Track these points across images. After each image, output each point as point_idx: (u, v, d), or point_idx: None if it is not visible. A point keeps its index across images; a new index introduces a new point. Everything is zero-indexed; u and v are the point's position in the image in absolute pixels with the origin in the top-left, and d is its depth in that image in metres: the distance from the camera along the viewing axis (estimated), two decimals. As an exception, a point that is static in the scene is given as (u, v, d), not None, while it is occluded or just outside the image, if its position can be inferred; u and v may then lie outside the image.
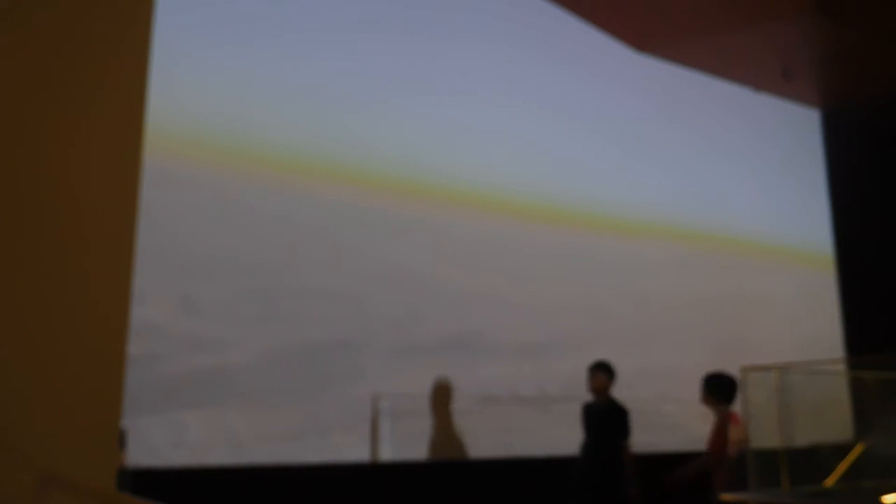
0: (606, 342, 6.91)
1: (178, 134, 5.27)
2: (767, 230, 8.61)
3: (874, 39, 7.51)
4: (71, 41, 2.22)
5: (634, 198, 7.62)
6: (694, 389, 5.41)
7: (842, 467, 5.98)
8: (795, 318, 8.36)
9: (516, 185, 6.85)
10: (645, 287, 7.40)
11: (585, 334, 6.89)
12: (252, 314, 5.46)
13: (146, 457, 4.80)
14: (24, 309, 2.05)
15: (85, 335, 2.13)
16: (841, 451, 6.15)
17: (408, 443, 5.94)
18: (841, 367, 7.87)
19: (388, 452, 5.86)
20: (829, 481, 5.92)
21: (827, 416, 7.29)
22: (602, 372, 5.55)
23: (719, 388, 5.26)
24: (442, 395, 5.93)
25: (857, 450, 6.12)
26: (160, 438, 4.95)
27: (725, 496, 5.50)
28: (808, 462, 5.88)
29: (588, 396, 5.61)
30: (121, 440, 3.95)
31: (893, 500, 5.26)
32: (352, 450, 5.68)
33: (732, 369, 6.11)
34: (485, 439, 5.92)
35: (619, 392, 5.64)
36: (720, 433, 5.16)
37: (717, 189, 8.35)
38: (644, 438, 5.97)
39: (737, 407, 5.26)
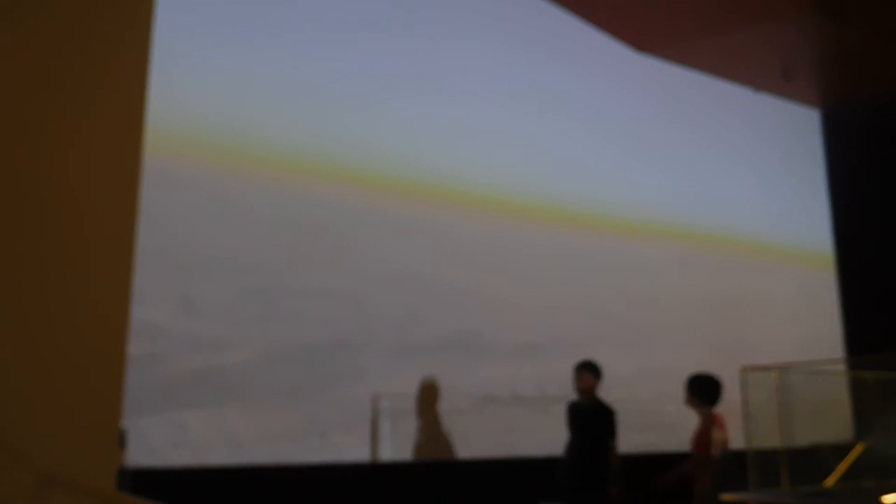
0: (606, 342, 6.91)
1: (178, 134, 5.27)
2: (767, 230, 8.61)
3: (874, 39, 7.51)
4: (71, 41, 2.22)
5: (634, 198, 7.62)
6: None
7: (842, 467, 5.98)
8: (795, 318, 8.36)
9: (516, 185, 6.85)
10: (645, 287, 7.40)
11: (585, 334, 6.89)
12: (252, 314, 5.46)
13: (146, 457, 4.80)
14: (24, 309, 2.05)
15: (85, 335, 2.13)
16: (841, 451, 6.15)
17: (408, 443, 5.94)
18: (841, 367, 7.87)
19: (388, 452, 5.86)
20: (829, 481, 5.92)
21: (827, 416, 7.29)
22: (588, 371, 5.52)
23: (703, 390, 5.24)
24: (428, 396, 5.91)
25: (857, 450, 6.12)
26: (160, 438, 4.95)
27: (726, 496, 5.50)
28: (808, 462, 5.88)
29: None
30: (121, 440, 3.95)
31: (893, 500, 5.26)
32: (352, 450, 5.68)
33: (732, 369, 6.10)
34: (485, 439, 5.92)
35: (619, 392, 5.65)
36: (704, 434, 5.14)
37: (717, 189, 8.35)
38: (644, 438, 5.98)
39: (720, 408, 5.25)
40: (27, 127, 2.12)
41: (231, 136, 5.55)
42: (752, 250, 8.41)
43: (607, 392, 5.63)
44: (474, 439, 5.72)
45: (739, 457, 5.26)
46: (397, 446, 5.91)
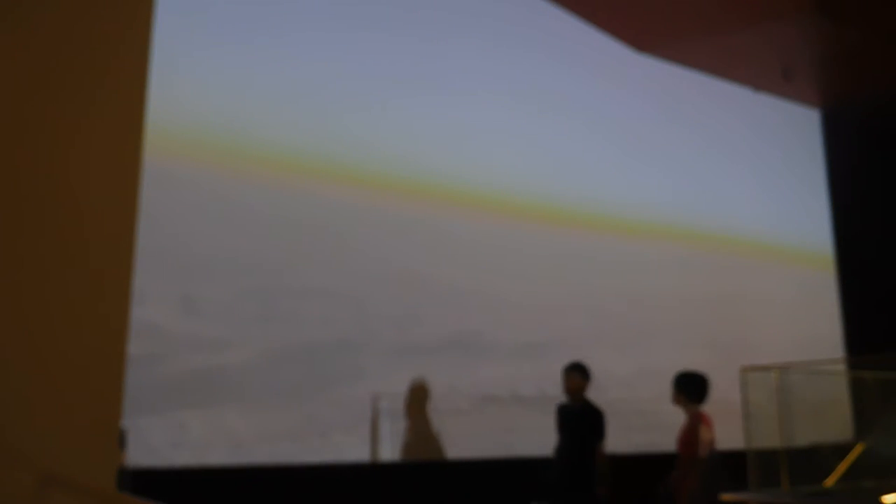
0: (606, 342, 6.91)
1: (178, 134, 5.27)
2: (767, 230, 8.61)
3: (874, 39, 7.51)
4: (71, 41, 2.22)
5: (634, 198, 7.62)
6: (694, 389, 5.39)
7: (842, 467, 5.98)
8: (795, 318, 8.36)
9: (516, 185, 6.85)
10: (645, 287, 7.40)
11: (585, 334, 6.89)
12: (252, 314, 5.46)
13: (146, 457, 4.80)
14: (24, 309, 2.05)
15: (85, 335, 2.13)
16: (841, 451, 6.16)
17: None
18: (841, 367, 7.87)
19: (388, 452, 5.86)
20: (829, 481, 5.92)
21: (827, 416, 7.29)
22: (577, 373, 5.46)
23: (690, 387, 5.15)
24: (417, 398, 5.89)
25: (857, 450, 6.12)
26: (160, 438, 4.95)
27: (726, 496, 5.49)
28: (808, 462, 5.88)
29: (595, 398, 5.60)
30: (121, 440, 3.95)
31: (893, 500, 5.26)
32: (352, 450, 5.68)
33: (732, 369, 6.11)
34: (485, 439, 5.92)
35: (619, 392, 5.64)
36: (691, 433, 5.04)
37: (717, 189, 8.35)
38: (644, 438, 5.98)
39: (707, 406, 5.22)
40: (27, 127, 2.12)
41: (231, 136, 5.55)
42: (752, 250, 8.41)
43: (607, 392, 5.63)
44: (474, 439, 5.72)
45: (727, 457, 5.16)
46: (397, 446, 5.91)
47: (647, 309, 7.36)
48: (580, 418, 5.33)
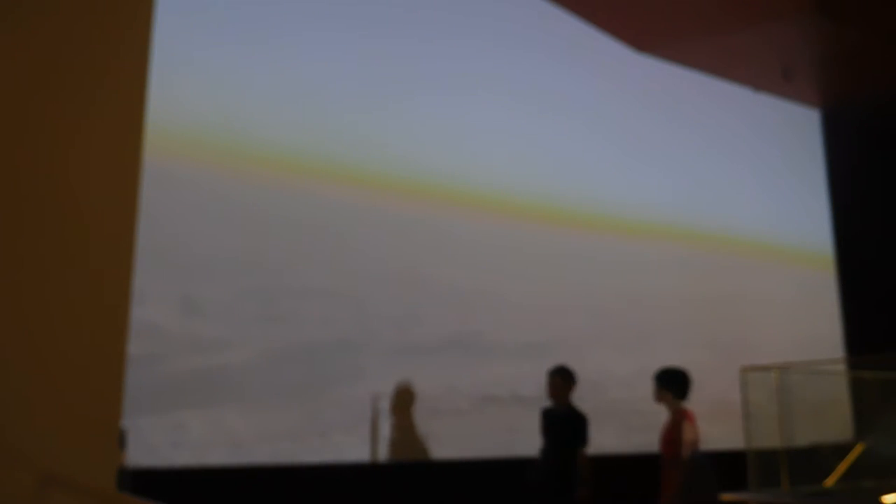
0: (606, 342, 6.92)
1: (178, 134, 5.27)
2: (767, 230, 8.61)
3: (874, 39, 7.51)
4: (71, 41, 2.22)
5: (634, 198, 7.62)
6: (694, 389, 5.38)
7: (842, 467, 5.98)
8: (795, 318, 8.36)
9: (516, 185, 6.85)
10: (645, 287, 7.40)
11: (585, 334, 6.89)
12: (252, 314, 5.46)
13: (146, 457, 4.80)
14: (24, 309, 2.05)
15: (85, 335, 2.13)
16: (841, 451, 6.16)
17: (408, 443, 5.94)
18: (841, 367, 7.87)
19: (388, 452, 5.86)
20: (829, 481, 5.92)
21: (827, 416, 7.30)
22: (560, 377, 5.37)
23: (674, 383, 5.01)
24: (403, 399, 5.87)
25: (857, 450, 6.13)
26: (160, 438, 4.95)
27: (726, 496, 5.49)
28: (808, 462, 5.88)
29: (587, 398, 5.60)
30: (121, 440, 3.95)
31: (893, 500, 5.26)
32: (352, 450, 5.68)
33: (732, 369, 6.11)
34: (485, 439, 5.92)
35: (620, 392, 5.64)
36: (675, 430, 4.91)
37: (717, 189, 8.35)
38: (644, 438, 5.97)
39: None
40: (27, 127, 2.12)
41: (231, 136, 5.55)
42: (752, 250, 8.41)
43: (607, 392, 5.64)
44: (474, 439, 5.72)
45: (711, 456, 5.08)
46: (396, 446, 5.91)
47: (647, 309, 7.36)
48: (564, 422, 5.26)
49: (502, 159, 6.77)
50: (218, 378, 5.22)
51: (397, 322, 6.05)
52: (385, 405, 5.88)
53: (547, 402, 5.36)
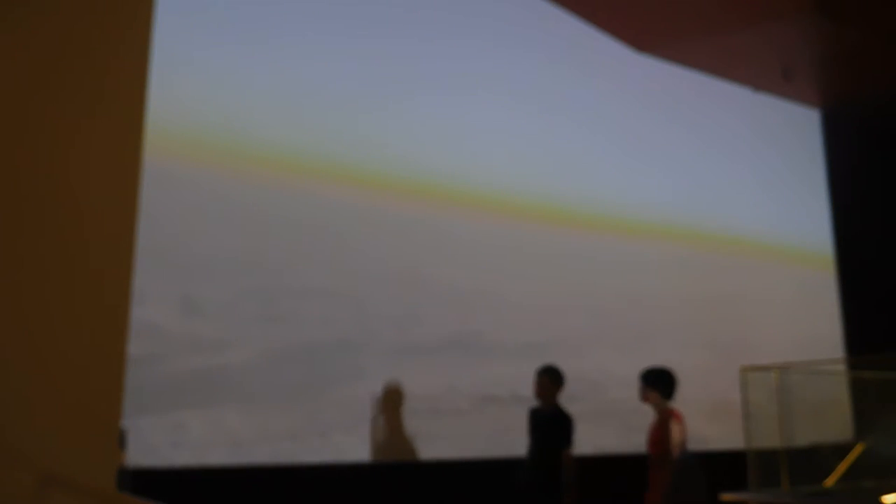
0: (606, 342, 6.92)
1: (178, 134, 5.27)
2: (767, 230, 8.61)
3: (874, 39, 7.51)
4: (71, 41, 2.22)
5: (634, 198, 7.62)
6: (694, 389, 5.39)
7: (842, 467, 5.98)
8: (795, 318, 8.36)
9: (516, 185, 6.85)
10: (645, 287, 7.40)
11: (585, 334, 6.89)
12: (252, 314, 5.46)
13: (146, 457, 4.80)
14: (24, 309, 2.05)
15: (85, 335, 2.13)
16: (841, 451, 6.16)
17: (408, 442, 5.94)
18: (841, 367, 7.87)
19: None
20: (829, 481, 5.92)
21: (827, 416, 7.30)
22: (547, 377, 5.33)
23: (662, 383, 4.97)
24: (390, 399, 5.84)
25: (857, 450, 6.13)
26: (160, 438, 4.95)
27: (726, 496, 5.49)
28: (808, 462, 5.88)
29: (588, 398, 5.60)
30: (121, 440, 3.95)
31: (893, 500, 5.26)
32: (352, 450, 5.68)
33: (732, 369, 6.11)
34: (485, 439, 5.92)
35: (619, 392, 5.64)
36: (662, 430, 4.87)
37: (717, 189, 8.35)
38: (644, 438, 5.96)
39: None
40: (27, 127, 2.12)
41: (231, 136, 5.55)
42: (752, 250, 8.41)
43: (607, 392, 5.63)
44: (474, 439, 5.72)
45: (700, 456, 5.05)
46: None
47: (647, 309, 7.36)
48: (549, 423, 5.23)
49: (502, 159, 6.77)
50: (218, 378, 5.22)
51: (397, 322, 6.05)
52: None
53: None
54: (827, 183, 9.34)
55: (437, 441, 6.04)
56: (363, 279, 5.91)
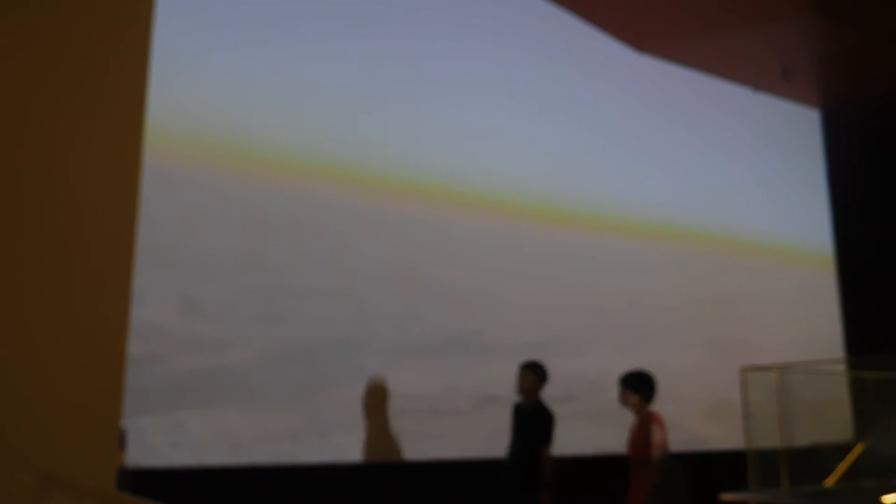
0: (606, 342, 6.92)
1: (178, 134, 5.27)
2: (767, 230, 8.61)
3: (874, 39, 7.52)
4: (71, 41, 2.22)
5: (634, 198, 7.62)
6: (694, 389, 5.40)
7: (842, 467, 5.98)
8: (795, 318, 8.36)
9: (516, 185, 6.85)
10: (645, 287, 7.41)
11: (585, 334, 6.89)
12: (252, 314, 5.46)
13: (146, 457, 4.80)
14: (24, 309, 2.05)
15: (85, 335, 2.13)
16: (841, 451, 6.16)
17: (408, 443, 5.94)
18: (841, 367, 7.87)
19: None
20: (829, 481, 5.93)
21: (827, 416, 7.30)
22: (530, 372, 5.29)
23: (642, 386, 4.94)
24: (374, 397, 5.80)
25: (857, 450, 6.13)
26: (160, 438, 4.95)
27: (726, 496, 5.49)
28: (808, 462, 5.88)
29: (588, 398, 5.60)
30: (121, 440, 3.95)
31: (893, 500, 5.26)
32: (352, 450, 5.68)
33: (732, 369, 6.11)
34: (485, 439, 5.92)
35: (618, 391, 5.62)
36: (643, 433, 4.84)
37: (717, 189, 8.35)
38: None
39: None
40: (27, 127, 2.12)
41: (231, 136, 5.55)
42: (752, 250, 8.41)
43: (607, 392, 5.62)
44: (474, 439, 5.72)
45: (680, 458, 5.01)
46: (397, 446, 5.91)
47: (647, 309, 7.36)
48: (530, 420, 5.20)
49: (502, 159, 6.77)
50: (218, 378, 5.22)
51: (397, 322, 6.05)
52: (385, 406, 5.87)
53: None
54: (827, 183, 9.34)
55: (437, 441, 6.04)
56: (363, 279, 5.91)
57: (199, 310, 5.26)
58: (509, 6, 7.02)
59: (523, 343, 6.30)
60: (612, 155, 7.60)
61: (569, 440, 5.81)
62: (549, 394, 5.42)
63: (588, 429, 6.34)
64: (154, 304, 5.00)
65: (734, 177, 8.51)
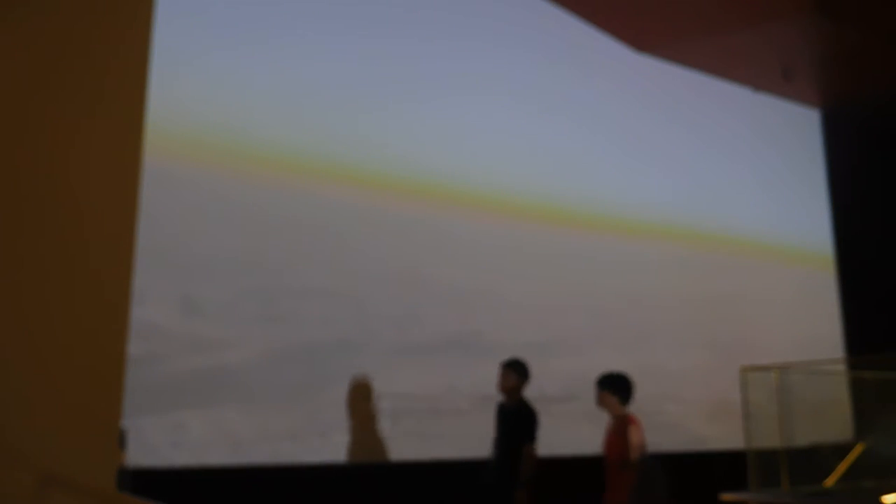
0: (606, 342, 6.92)
1: (178, 134, 5.27)
2: (767, 230, 8.61)
3: (874, 39, 7.52)
4: (71, 41, 2.22)
5: (634, 198, 7.62)
6: (694, 389, 5.39)
7: (842, 467, 5.98)
8: (795, 318, 8.36)
9: (516, 185, 6.85)
10: (645, 287, 7.41)
11: (585, 334, 6.89)
12: (252, 314, 5.46)
13: (146, 457, 4.80)
14: (24, 309, 2.05)
15: (85, 335, 2.13)
16: (841, 451, 6.16)
17: (408, 443, 5.94)
18: (841, 367, 7.87)
19: (388, 452, 5.86)
20: (829, 481, 5.93)
21: (827, 416, 7.30)
22: (512, 371, 5.28)
23: (619, 388, 4.90)
24: (358, 394, 5.77)
25: (857, 450, 6.13)
26: (160, 438, 4.95)
27: (726, 496, 5.49)
28: (808, 462, 5.88)
29: (588, 398, 5.58)
30: (121, 440, 3.95)
31: (893, 500, 5.26)
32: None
33: (732, 369, 6.11)
34: (485, 439, 5.91)
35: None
36: (620, 435, 4.78)
37: (717, 189, 8.35)
38: (645, 440, 5.97)
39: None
40: (27, 127, 2.12)
41: (231, 136, 5.55)
42: (752, 250, 8.41)
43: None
44: (474, 439, 5.71)
45: (658, 459, 4.99)
46: (397, 446, 5.91)
47: (647, 309, 7.36)
48: (513, 418, 5.18)
49: (502, 159, 6.77)
50: (218, 378, 5.23)
51: (397, 322, 6.05)
52: (386, 405, 5.87)
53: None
54: (827, 183, 9.34)
55: (437, 441, 6.04)
56: (363, 279, 5.91)
57: (199, 310, 5.26)
58: (509, 6, 7.02)
59: (523, 343, 6.30)
60: (612, 155, 7.60)
61: (569, 440, 5.81)
62: (550, 393, 5.42)
63: (588, 429, 6.33)
64: (154, 304, 5.00)
65: (734, 177, 8.51)
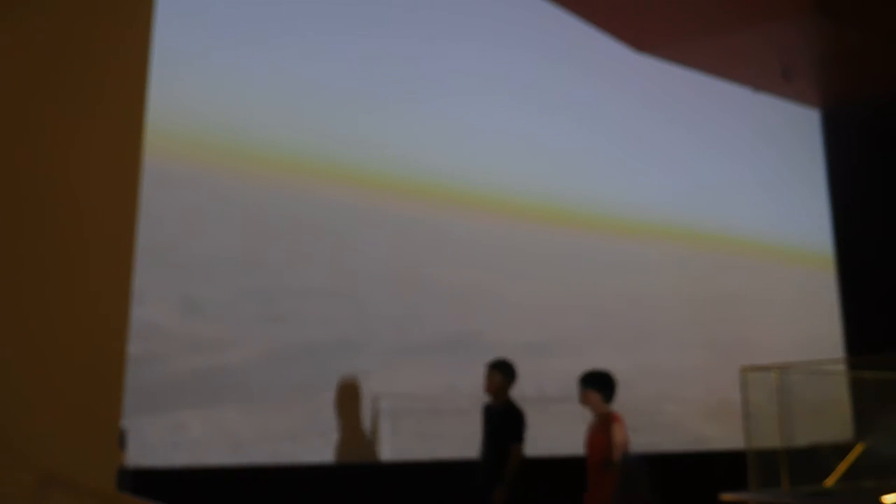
0: (606, 342, 6.92)
1: (178, 134, 5.27)
2: (767, 230, 8.61)
3: (874, 39, 7.52)
4: (71, 41, 2.22)
5: (634, 198, 7.62)
6: (694, 389, 5.39)
7: (842, 467, 5.98)
8: (795, 318, 8.36)
9: (516, 185, 6.85)
10: (645, 287, 7.40)
11: (585, 334, 6.89)
12: (252, 314, 5.46)
13: (146, 457, 4.80)
14: (24, 309, 2.05)
15: (85, 335, 2.13)
16: (841, 451, 6.16)
17: (408, 443, 5.95)
18: (841, 367, 7.88)
19: (388, 452, 5.86)
20: (829, 481, 5.93)
21: (827, 416, 7.30)
22: (497, 371, 5.25)
23: (603, 386, 4.85)
24: (346, 394, 5.75)
25: (857, 450, 6.13)
26: (160, 438, 4.95)
27: (726, 496, 5.49)
28: (808, 462, 5.88)
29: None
30: (121, 440, 3.95)
31: (893, 500, 5.26)
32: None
33: (732, 369, 6.11)
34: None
35: (619, 392, 5.62)
36: (603, 434, 4.74)
37: (717, 189, 8.35)
38: (644, 438, 5.97)
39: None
40: (27, 127, 2.12)
41: (231, 136, 5.55)
42: (752, 250, 8.41)
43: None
44: (474, 439, 5.71)
45: (643, 458, 4.96)
46: (397, 446, 5.91)
47: (647, 309, 7.36)
48: (499, 419, 5.16)
49: (502, 159, 6.77)
50: (218, 378, 5.23)
51: (397, 322, 6.05)
52: (386, 405, 5.87)
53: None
54: (827, 183, 9.34)
55: (437, 441, 6.04)
56: (363, 279, 5.91)
57: (199, 310, 5.26)
58: (509, 6, 7.02)
59: (523, 343, 6.30)
60: (612, 155, 7.60)
61: (569, 440, 5.80)
62: (550, 393, 5.42)
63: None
64: (154, 304, 5.00)
65: (734, 177, 8.51)
